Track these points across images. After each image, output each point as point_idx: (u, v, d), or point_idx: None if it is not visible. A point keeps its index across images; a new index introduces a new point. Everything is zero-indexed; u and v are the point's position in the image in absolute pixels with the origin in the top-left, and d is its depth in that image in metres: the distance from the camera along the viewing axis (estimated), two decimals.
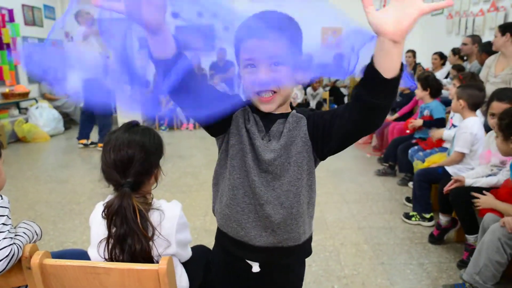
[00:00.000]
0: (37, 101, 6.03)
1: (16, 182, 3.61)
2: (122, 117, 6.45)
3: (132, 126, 1.09)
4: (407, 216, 2.66)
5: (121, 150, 1.02)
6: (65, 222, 2.72)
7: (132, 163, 1.02)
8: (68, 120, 6.54)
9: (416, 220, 2.60)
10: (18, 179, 3.71)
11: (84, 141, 5.23)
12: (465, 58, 4.46)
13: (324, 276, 2.02)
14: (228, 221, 0.99)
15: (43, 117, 5.73)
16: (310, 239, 1.04)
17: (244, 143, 0.94)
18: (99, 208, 1.07)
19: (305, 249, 1.03)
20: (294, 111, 0.96)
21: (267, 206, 0.94)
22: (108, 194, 1.08)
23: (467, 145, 2.34)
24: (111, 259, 1.03)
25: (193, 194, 3.28)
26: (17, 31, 5.89)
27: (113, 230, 1.00)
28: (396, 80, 0.73)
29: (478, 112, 2.53)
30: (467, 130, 2.33)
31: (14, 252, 1.02)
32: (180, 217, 1.08)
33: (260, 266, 1.02)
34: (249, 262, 1.02)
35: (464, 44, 4.23)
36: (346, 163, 4.10)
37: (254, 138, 0.94)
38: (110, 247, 1.01)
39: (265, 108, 0.92)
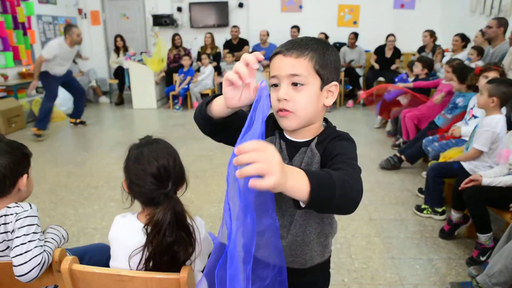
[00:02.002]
0: None
1: (36, 165, 3.73)
2: (136, 97, 6.50)
3: (153, 139, 1.13)
4: (419, 208, 2.68)
5: (161, 159, 1.05)
6: (85, 207, 2.83)
7: (172, 170, 1.06)
8: None
9: (428, 213, 2.63)
10: (38, 161, 3.83)
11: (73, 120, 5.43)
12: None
13: (334, 269, 2.08)
14: None
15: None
16: (320, 266, 1.06)
17: None
18: (122, 222, 1.10)
19: (315, 274, 1.06)
20: (313, 143, 0.93)
21: (281, 229, 0.98)
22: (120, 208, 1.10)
23: (487, 143, 2.29)
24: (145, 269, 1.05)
25: (207, 179, 3.35)
26: (31, 10, 5.89)
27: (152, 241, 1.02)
28: (310, 201, 0.66)
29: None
30: (491, 128, 2.26)
31: (44, 260, 1.09)
32: (205, 236, 1.12)
33: None
34: None
35: (489, 27, 4.05)
36: (359, 150, 4.05)
37: None
38: (145, 259, 1.03)
39: (284, 124, 0.90)
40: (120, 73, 6.84)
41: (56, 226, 1.28)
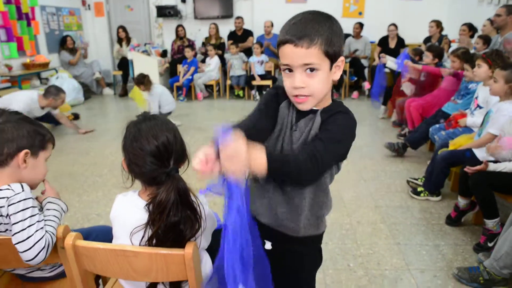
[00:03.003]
0: (57, 71, 6.10)
1: None
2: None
3: (151, 115, 1.08)
4: (415, 192, 2.72)
5: (160, 136, 1.00)
6: (89, 194, 2.83)
7: (172, 148, 1.01)
8: (86, 90, 6.62)
9: (424, 196, 2.67)
10: None
11: None
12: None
13: (340, 254, 2.06)
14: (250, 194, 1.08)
15: (64, 87, 5.75)
16: (314, 238, 1.08)
17: (283, 132, 1.02)
18: (123, 201, 1.09)
19: (307, 247, 1.09)
20: (319, 111, 0.98)
21: (278, 190, 1.04)
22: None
23: (503, 128, 2.25)
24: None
25: None
26: (35, 0, 5.87)
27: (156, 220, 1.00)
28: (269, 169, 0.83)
29: None
30: (508, 113, 2.22)
31: (48, 242, 1.07)
32: (209, 212, 1.11)
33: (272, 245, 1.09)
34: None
35: (497, 15, 3.97)
36: (364, 140, 4.06)
37: (287, 129, 1.01)
38: (148, 237, 1.01)
39: (300, 107, 0.98)
40: (124, 65, 6.82)
41: (54, 199, 1.24)
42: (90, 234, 1.47)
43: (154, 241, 1.03)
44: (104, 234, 1.48)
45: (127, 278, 1.09)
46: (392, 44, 6.28)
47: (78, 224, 2.38)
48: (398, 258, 2.02)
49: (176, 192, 0.99)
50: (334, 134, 0.92)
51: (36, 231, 1.06)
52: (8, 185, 1.10)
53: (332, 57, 0.92)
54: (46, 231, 1.09)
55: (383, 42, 6.36)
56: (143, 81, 4.36)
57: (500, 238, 1.71)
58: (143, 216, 1.02)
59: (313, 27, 0.88)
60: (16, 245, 1.05)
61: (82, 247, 1.07)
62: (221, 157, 0.77)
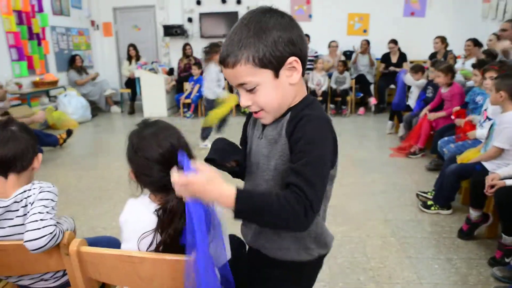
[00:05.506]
0: (65, 89, 6.20)
1: (47, 169, 3.75)
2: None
3: (151, 122, 1.07)
4: (425, 205, 2.66)
5: (163, 143, 0.99)
6: (95, 208, 2.81)
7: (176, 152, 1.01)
8: (94, 108, 6.71)
9: (435, 210, 2.62)
10: (49, 166, 3.85)
11: None
12: None
13: (350, 268, 2.01)
14: None
15: (72, 105, 5.89)
16: (296, 265, 0.96)
17: (250, 143, 1.01)
18: (134, 204, 1.07)
19: (287, 272, 0.98)
20: (285, 121, 0.87)
21: None
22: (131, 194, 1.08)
23: (509, 140, 2.20)
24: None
25: None
26: (46, 21, 6.04)
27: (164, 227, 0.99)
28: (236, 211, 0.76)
29: None
30: (510, 124, 2.20)
31: (56, 233, 1.08)
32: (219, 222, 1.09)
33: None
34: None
35: (503, 30, 3.98)
36: (372, 154, 4.03)
37: (254, 140, 0.98)
38: (157, 243, 1.00)
39: (262, 122, 0.93)
40: (131, 83, 6.92)
41: (67, 217, 1.31)
42: (95, 244, 1.44)
43: (161, 248, 1.01)
44: (111, 245, 1.46)
45: (132, 285, 1.06)
46: (394, 59, 6.36)
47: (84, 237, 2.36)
48: (409, 271, 1.96)
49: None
50: (310, 154, 0.78)
51: (51, 219, 1.10)
52: (40, 181, 1.20)
53: (275, 64, 0.80)
54: (57, 225, 1.11)
55: (386, 58, 6.43)
56: (217, 50, 3.81)
57: None
58: (154, 220, 1.01)
59: (238, 41, 0.78)
60: (26, 224, 1.07)
61: (87, 253, 1.05)
62: (174, 185, 0.76)
